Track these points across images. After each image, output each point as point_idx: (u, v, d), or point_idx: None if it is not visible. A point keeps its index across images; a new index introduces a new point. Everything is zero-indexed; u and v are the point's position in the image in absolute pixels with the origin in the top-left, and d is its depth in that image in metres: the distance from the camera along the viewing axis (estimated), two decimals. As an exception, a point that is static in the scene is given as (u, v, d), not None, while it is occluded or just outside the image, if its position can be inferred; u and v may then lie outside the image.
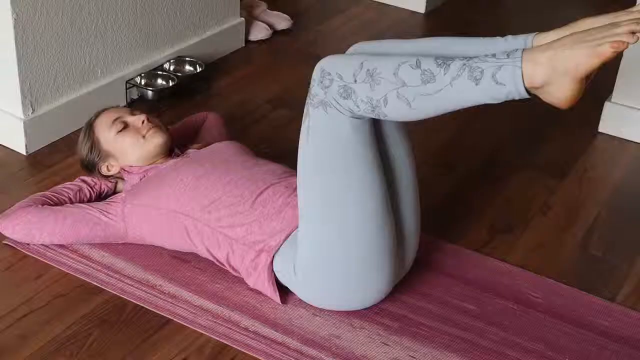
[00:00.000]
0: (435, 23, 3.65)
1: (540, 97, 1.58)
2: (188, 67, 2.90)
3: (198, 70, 2.88)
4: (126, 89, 2.70)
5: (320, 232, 1.78)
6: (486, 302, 1.97)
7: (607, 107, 2.75)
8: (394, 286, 1.93)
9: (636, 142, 2.72)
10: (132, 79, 2.72)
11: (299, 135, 2.61)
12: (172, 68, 2.85)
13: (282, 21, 3.41)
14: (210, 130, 2.40)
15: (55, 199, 2.09)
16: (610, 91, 2.76)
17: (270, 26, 3.36)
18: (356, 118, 1.70)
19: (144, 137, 2.11)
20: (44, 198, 2.07)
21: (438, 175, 2.50)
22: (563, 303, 1.99)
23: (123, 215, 2.01)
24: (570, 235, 2.26)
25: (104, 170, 2.15)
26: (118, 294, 1.91)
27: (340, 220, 1.76)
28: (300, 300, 1.91)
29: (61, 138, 2.51)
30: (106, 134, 2.13)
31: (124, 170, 2.13)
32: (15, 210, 2.03)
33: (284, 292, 1.91)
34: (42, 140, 2.46)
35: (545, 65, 1.52)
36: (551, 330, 1.90)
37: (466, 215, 2.31)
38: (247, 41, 3.26)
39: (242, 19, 3.20)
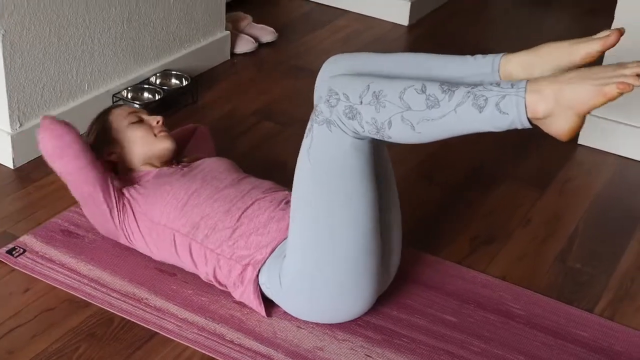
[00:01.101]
0: (419, 35, 3.69)
1: (541, 127, 1.61)
2: (174, 81, 2.92)
3: (184, 84, 2.91)
4: (113, 102, 2.73)
5: (311, 246, 1.81)
6: (467, 313, 2.01)
7: (587, 119, 2.78)
8: (377, 298, 1.96)
9: (615, 154, 2.76)
10: (118, 92, 2.74)
11: (284, 147, 2.66)
12: (158, 81, 2.88)
13: (267, 34, 3.45)
14: (198, 143, 2.42)
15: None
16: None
17: (256, 39, 3.40)
18: (359, 138, 1.73)
19: (155, 135, 2.15)
20: (82, 140, 2.05)
21: (420, 187, 2.54)
22: (543, 314, 2.03)
23: (124, 211, 2.03)
24: (550, 247, 2.30)
25: (105, 156, 2.15)
26: (105, 308, 1.94)
27: (331, 236, 1.79)
28: (284, 312, 1.94)
29: (48, 152, 2.53)
30: (120, 122, 2.16)
31: (127, 177, 2.13)
32: (67, 126, 2.02)
33: (269, 304, 1.94)
34: (29, 154, 2.48)
35: (549, 98, 1.55)
36: (531, 342, 1.94)
37: (448, 227, 2.35)
38: (232, 54, 3.30)
39: (228, 32, 3.23)
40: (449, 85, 1.63)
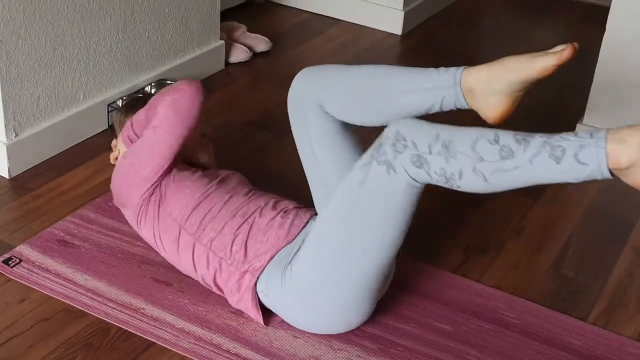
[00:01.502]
0: (412, 44, 3.71)
1: (622, 178, 1.57)
2: (169, 90, 2.93)
3: (179, 93, 2.91)
4: (108, 112, 2.74)
5: (331, 267, 1.82)
6: (462, 322, 2.02)
7: (579, 129, 2.82)
8: (373, 307, 1.98)
9: (607, 163, 2.78)
10: (114, 102, 2.75)
11: (279, 156, 2.67)
12: (153, 91, 2.89)
13: (261, 43, 3.46)
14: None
15: None
16: (582, 113, 2.83)
17: (250, 48, 3.41)
18: (415, 184, 1.72)
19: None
20: None
21: (415, 196, 2.55)
22: (537, 323, 2.04)
23: (153, 193, 2.05)
24: (543, 256, 2.32)
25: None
26: (102, 318, 1.94)
27: (356, 262, 1.80)
28: (281, 321, 1.95)
29: (44, 162, 2.54)
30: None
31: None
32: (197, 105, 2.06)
33: (266, 313, 1.94)
34: (24, 164, 2.49)
35: (635, 147, 1.51)
36: (525, 350, 1.95)
37: (441, 237, 2.36)
38: (227, 63, 3.31)
39: (222, 41, 3.25)
40: (524, 135, 1.60)
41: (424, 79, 1.79)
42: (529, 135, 1.61)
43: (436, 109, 1.79)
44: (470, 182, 1.64)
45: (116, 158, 2.21)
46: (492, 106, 1.73)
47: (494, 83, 1.71)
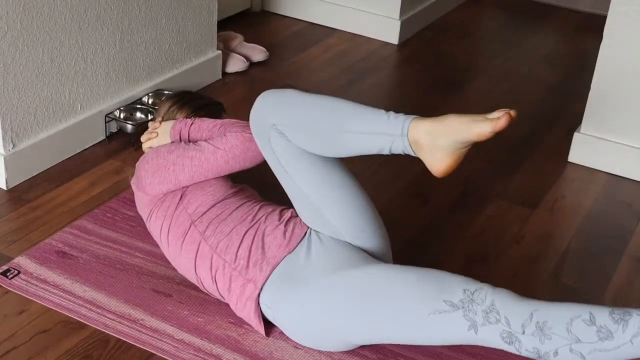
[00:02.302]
0: (408, 53, 3.72)
1: None
2: (166, 100, 2.93)
3: (176, 103, 2.91)
4: (105, 122, 2.73)
5: (339, 313, 1.81)
6: (462, 332, 2.02)
7: (577, 137, 2.82)
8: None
9: (605, 172, 2.79)
10: (111, 112, 2.75)
11: (275, 166, 2.66)
12: (150, 101, 2.89)
13: (258, 53, 3.47)
14: None
15: None
16: (580, 122, 2.84)
17: (247, 58, 3.41)
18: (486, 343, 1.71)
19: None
20: None
21: (412, 207, 2.55)
22: (537, 332, 2.04)
23: (184, 190, 2.09)
24: (542, 264, 2.32)
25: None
26: (101, 329, 1.94)
27: (363, 325, 1.80)
28: (281, 332, 1.94)
29: (41, 172, 2.53)
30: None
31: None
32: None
33: (267, 323, 1.94)
34: (22, 175, 2.48)
35: None
36: (525, 359, 1.95)
37: (441, 246, 2.36)
38: (224, 73, 3.31)
39: (219, 51, 3.25)
40: (620, 313, 1.61)
41: (375, 122, 1.79)
42: (626, 312, 1.61)
43: (386, 152, 1.80)
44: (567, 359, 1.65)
45: (150, 140, 2.23)
46: (437, 161, 1.75)
47: (437, 139, 1.73)
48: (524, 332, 1.65)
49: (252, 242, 1.93)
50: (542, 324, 1.64)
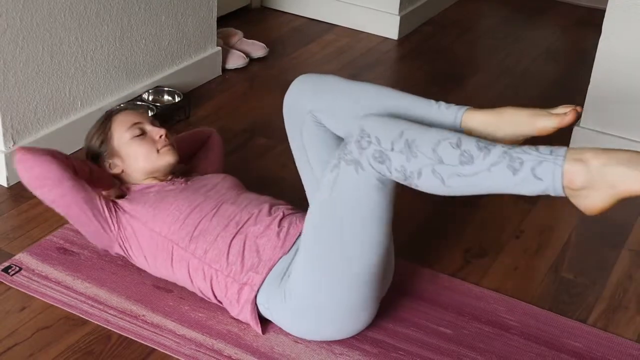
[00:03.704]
0: (408, 49, 3.72)
1: (570, 198, 1.57)
2: (167, 97, 2.94)
3: (177, 100, 2.92)
4: (106, 119, 2.74)
5: (321, 274, 1.82)
6: (462, 325, 2.03)
7: (576, 131, 2.83)
8: (373, 312, 1.98)
9: (605, 166, 2.79)
10: (111, 109, 2.75)
11: (277, 162, 2.68)
12: (151, 98, 2.89)
13: (258, 49, 3.47)
14: (207, 154, 2.40)
15: (73, 167, 2.03)
16: (579, 117, 2.84)
17: (247, 54, 3.42)
18: (384, 179, 1.72)
19: (158, 151, 2.11)
20: (66, 159, 2.02)
21: (412, 201, 2.55)
22: (537, 325, 2.04)
23: (120, 222, 2.02)
24: (542, 258, 2.32)
25: (105, 165, 2.14)
26: (102, 325, 1.94)
27: (341, 269, 1.80)
28: (281, 328, 1.95)
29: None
30: (122, 134, 2.11)
31: (127, 187, 2.13)
32: (42, 155, 1.96)
33: (266, 321, 1.95)
34: (23, 172, 2.49)
35: (593, 172, 1.51)
36: (526, 353, 1.95)
37: (441, 241, 2.37)
38: (224, 69, 3.32)
39: (219, 48, 3.25)
40: (486, 143, 1.61)
41: (424, 109, 1.77)
42: (491, 144, 1.60)
43: None
44: (428, 183, 1.65)
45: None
46: None
47: (496, 131, 1.71)
48: (393, 149, 1.64)
49: (244, 247, 1.92)
50: (411, 141, 1.63)
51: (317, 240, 1.81)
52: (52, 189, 1.96)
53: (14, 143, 2.46)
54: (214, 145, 2.43)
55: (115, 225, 2.02)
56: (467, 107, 1.76)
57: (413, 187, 1.68)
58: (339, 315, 1.87)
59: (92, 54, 2.64)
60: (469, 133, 1.73)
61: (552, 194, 1.57)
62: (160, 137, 2.13)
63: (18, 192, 2.45)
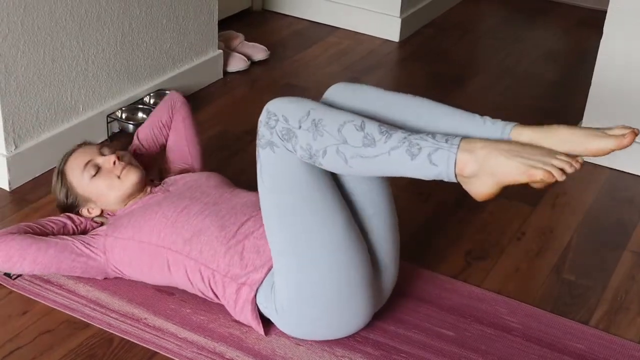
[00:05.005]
0: (409, 51, 3.72)
1: (462, 183, 1.67)
2: (168, 100, 2.94)
3: (178, 103, 2.92)
4: (107, 123, 2.74)
5: (293, 269, 1.83)
6: (464, 328, 2.03)
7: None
8: (375, 314, 1.97)
9: (606, 167, 2.79)
10: (113, 113, 2.76)
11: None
12: (152, 101, 2.90)
13: (259, 52, 3.47)
14: (178, 130, 2.39)
15: (39, 230, 2.07)
16: (581, 117, 2.84)
17: (248, 57, 3.42)
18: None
19: (119, 177, 2.10)
20: (27, 227, 2.05)
21: (413, 203, 2.56)
22: (539, 327, 2.04)
23: (104, 248, 2.02)
24: (544, 260, 2.32)
25: (85, 213, 2.14)
26: (104, 328, 1.94)
27: (308, 255, 1.81)
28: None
29: (44, 173, 2.54)
30: (79, 180, 2.11)
31: (108, 214, 2.14)
32: None
33: (267, 322, 1.95)
34: (25, 176, 2.49)
35: (479, 161, 1.62)
36: (528, 355, 1.95)
37: (442, 243, 2.37)
38: (225, 73, 3.32)
39: (220, 51, 3.26)
40: (388, 127, 1.68)
41: (470, 125, 1.76)
42: (392, 128, 1.68)
43: None
44: (332, 162, 1.71)
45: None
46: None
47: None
48: (300, 127, 1.70)
49: (244, 248, 1.91)
50: (318, 121, 1.70)
51: (276, 235, 1.83)
52: (21, 262, 1.98)
53: (16, 147, 2.46)
54: (179, 117, 2.40)
55: (101, 255, 2.02)
56: (515, 123, 1.74)
57: (317, 165, 1.74)
58: (322, 312, 1.85)
59: (93, 58, 2.64)
60: None
61: (446, 179, 1.66)
62: (114, 163, 2.11)
63: (20, 195, 2.45)
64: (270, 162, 1.77)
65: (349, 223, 1.83)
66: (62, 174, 2.15)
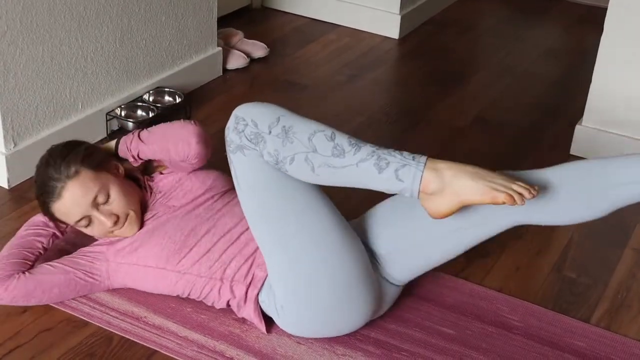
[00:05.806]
0: (409, 48, 3.71)
1: (420, 200, 1.71)
2: (167, 98, 2.93)
3: (177, 101, 2.92)
4: (106, 120, 2.74)
5: (285, 268, 1.82)
6: (465, 326, 2.02)
7: (578, 130, 2.82)
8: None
9: (607, 164, 2.78)
10: (112, 110, 2.75)
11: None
12: (151, 99, 2.89)
13: (258, 49, 3.47)
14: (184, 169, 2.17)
15: (33, 257, 2.00)
16: (581, 115, 2.83)
17: (247, 55, 3.41)
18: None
19: (112, 232, 2.00)
20: (23, 261, 1.97)
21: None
22: (540, 325, 2.04)
23: (108, 274, 2.00)
24: (545, 258, 2.32)
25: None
26: (104, 327, 1.94)
27: (296, 253, 1.80)
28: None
29: (43, 171, 2.53)
30: (71, 224, 2.01)
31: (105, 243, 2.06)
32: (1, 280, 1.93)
33: (270, 321, 1.94)
34: (24, 174, 2.48)
35: (445, 181, 1.67)
36: (529, 353, 1.95)
37: (444, 240, 2.36)
38: (224, 70, 3.31)
39: (220, 48, 3.25)
40: (357, 140, 1.71)
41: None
42: (362, 142, 1.71)
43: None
44: (299, 169, 1.72)
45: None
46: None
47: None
48: (270, 132, 1.71)
49: (250, 251, 1.91)
50: (288, 128, 1.71)
51: (262, 238, 1.83)
52: (26, 303, 1.96)
53: (15, 145, 2.45)
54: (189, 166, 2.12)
55: (105, 280, 2.00)
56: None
57: (282, 171, 1.74)
58: (320, 308, 1.85)
59: (92, 55, 2.63)
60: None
61: (408, 195, 1.69)
62: (113, 227, 1.98)
63: (19, 193, 2.44)
64: (244, 166, 1.77)
65: (334, 218, 1.82)
66: (46, 206, 1.98)
